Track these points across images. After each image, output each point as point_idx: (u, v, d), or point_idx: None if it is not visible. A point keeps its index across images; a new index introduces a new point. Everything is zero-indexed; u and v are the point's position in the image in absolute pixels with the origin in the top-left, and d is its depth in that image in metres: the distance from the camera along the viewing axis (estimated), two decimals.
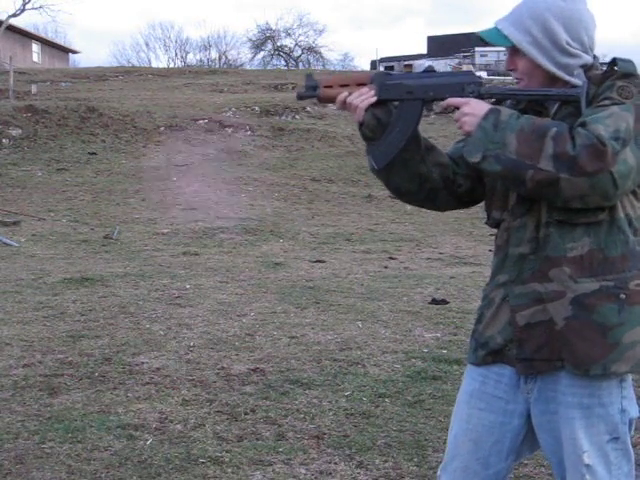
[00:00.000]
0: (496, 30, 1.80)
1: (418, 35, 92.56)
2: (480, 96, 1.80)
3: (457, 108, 1.79)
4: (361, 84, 1.87)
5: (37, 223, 11.38)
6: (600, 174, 1.61)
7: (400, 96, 1.85)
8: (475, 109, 1.75)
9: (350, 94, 1.85)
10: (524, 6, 1.80)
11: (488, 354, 1.86)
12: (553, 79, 1.79)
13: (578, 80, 1.76)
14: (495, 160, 1.69)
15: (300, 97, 1.93)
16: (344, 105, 1.87)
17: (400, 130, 1.85)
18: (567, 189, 1.63)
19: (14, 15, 33.90)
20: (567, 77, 1.77)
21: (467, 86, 1.82)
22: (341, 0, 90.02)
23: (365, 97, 1.84)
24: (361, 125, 1.86)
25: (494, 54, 34.36)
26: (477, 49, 36.25)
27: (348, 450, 3.32)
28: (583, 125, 1.64)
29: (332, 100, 1.89)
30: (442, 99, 1.83)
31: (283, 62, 48.90)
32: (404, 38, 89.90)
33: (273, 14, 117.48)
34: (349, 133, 18.55)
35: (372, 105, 1.84)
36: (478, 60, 36.05)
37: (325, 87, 1.89)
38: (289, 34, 49.54)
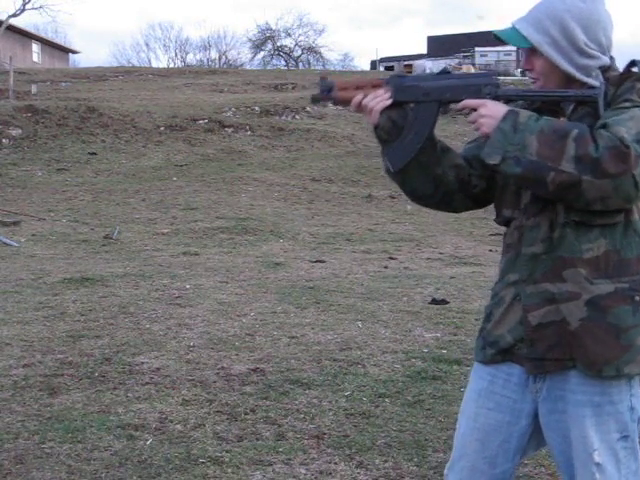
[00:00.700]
0: (514, 30, 1.80)
1: (416, 35, 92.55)
2: (497, 98, 1.79)
3: (473, 110, 1.78)
4: (376, 86, 1.86)
5: (37, 223, 11.38)
6: (623, 176, 1.60)
7: (416, 98, 1.84)
8: (492, 111, 1.74)
9: (365, 96, 1.85)
10: (542, 7, 1.79)
11: (497, 353, 1.85)
12: (570, 79, 1.78)
13: (595, 81, 1.76)
14: (515, 162, 1.67)
15: (315, 100, 1.92)
16: (359, 107, 1.86)
17: (417, 132, 1.84)
18: (589, 191, 1.62)
19: (14, 15, 33.90)
20: (585, 78, 1.76)
21: (484, 87, 1.81)
22: (340, 0, 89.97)
23: (381, 99, 1.83)
24: (376, 127, 1.86)
25: (494, 54, 34.37)
26: (477, 49, 36.24)
27: (348, 450, 3.32)
28: (605, 127, 1.64)
29: (347, 102, 1.88)
30: (459, 101, 1.82)
31: (283, 62, 48.90)
32: (402, 38, 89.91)
33: (273, 14, 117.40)
34: (349, 133, 18.57)
35: (387, 107, 1.83)
36: (478, 60, 36.03)
37: (341, 89, 1.88)
38: (289, 34, 49.56)
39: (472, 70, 28.07)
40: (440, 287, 7.15)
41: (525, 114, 1.71)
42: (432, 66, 34.75)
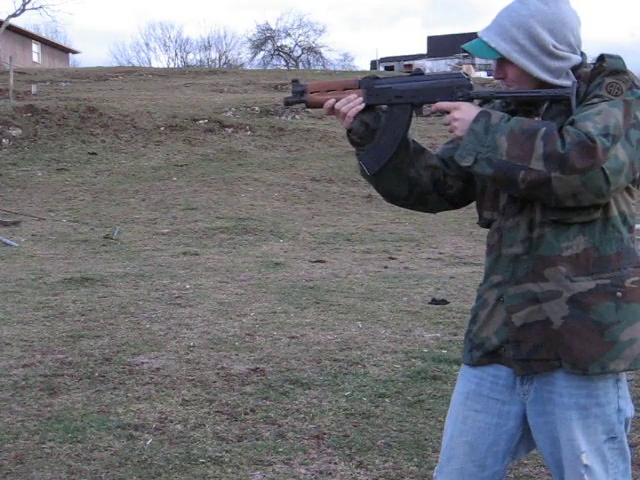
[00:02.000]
0: (482, 42, 1.79)
1: (414, 35, 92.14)
2: (470, 99, 1.80)
3: (447, 112, 1.78)
4: (348, 89, 1.86)
5: (37, 223, 11.38)
6: (591, 171, 1.60)
7: (389, 100, 1.85)
8: (465, 113, 1.75)
9: (338, 100, 1.85)
10: (506, 15, 1.78)
11: (484, 355, 1.85)
12: (543, 83, 1.78)
13: (566, 80, 1.76)
14: (487, 163, 1.68)
15: (287, 103, 1.92)
16: (332, 111, 1.87)
17: (391, 135, 1.85)
18: (559, 188, 1.63)
19: (14, 15, 33.91)
20: (557, 81, 1.76)
21: (457, 89, 1.81)
22: (337, 0, 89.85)
23: (353, 104, 1.84)
24: (349, 132, 1.87)
25: None
26: None
27: (348, 450, 3.32)
28: (572, 123, 1.65)
29: (320, 105, 1.89)
30: (432, 103, 1.82)
31: (283, 62, 48.86)
32: (400, 38, 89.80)
33: (273, 14, 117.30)
34: None
35: (360, 111, 1.84)
36: (478, 60, 36.02)
37: (312, 92, 1.89)
38: (289, 34, 49.51)
39: (472, 70, 28.10)
40: (440, 287, 7.15)
41: (497, 115, 1.72)
42: (432, 66, 34.77)
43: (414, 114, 1.86)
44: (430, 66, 34.91)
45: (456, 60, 37.62)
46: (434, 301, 6.38)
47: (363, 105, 1.84)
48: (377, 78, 1.87)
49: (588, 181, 1.61)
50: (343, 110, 1.84)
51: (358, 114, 1.84)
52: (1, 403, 3.84)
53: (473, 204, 2.09)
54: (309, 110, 20.10)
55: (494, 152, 1.67)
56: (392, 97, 1.85)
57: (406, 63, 39.36)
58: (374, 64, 43.07)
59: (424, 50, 46.51)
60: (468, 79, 1.83)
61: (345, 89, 1.86)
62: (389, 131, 1.85)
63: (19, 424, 3.56)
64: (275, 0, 74.62)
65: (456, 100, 1.79)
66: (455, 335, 5.28)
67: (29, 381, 4.17)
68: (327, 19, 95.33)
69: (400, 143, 1.85)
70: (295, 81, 1.91)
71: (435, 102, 1.81)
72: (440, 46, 42.82)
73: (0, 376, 4.25)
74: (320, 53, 48.90)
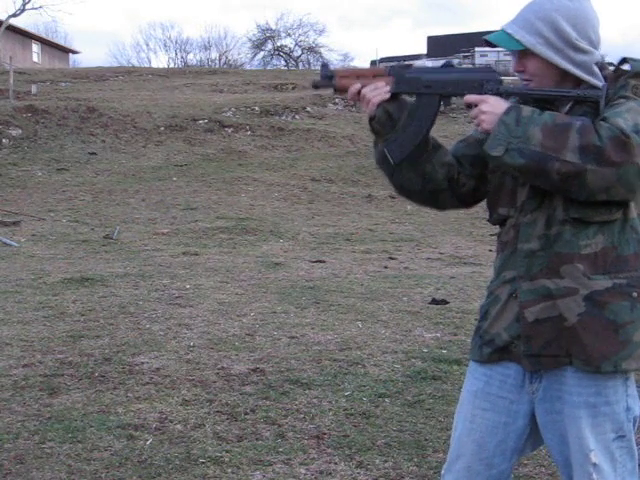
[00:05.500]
0: (506, 34, 1.80)
1: (406, 36, 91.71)
2: (499, 94, 1.80)
3: (475, 105, 1.78)
4: (377, 76, 1.85)
5: (37, 223, 11.38)
6: (626, 165, 1.62)
7: (417, 90, 1.85)
8: (494, 107, 1.75)
9: (364, 86, 1.85)
10: (531, 9, 1.80)
11: (494, 351, 1.85)
12: (565, 78, 1.79)
13: (596, 80, 1.77)
14: (518, 153, 1.68)
15: (315, 86, 1.91)
16: (357, 97, 1.86)
17: (417, 125, 1.84)
18: (594, 180, 1.63)
19: (14, 15, 33.91)
20: (586, 76, 1.78)
21: (486, 83, 1.81)
22: (329, 0, 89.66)
23: (379, 91, 1.83)
24: (372, 119, 1.86)
25: (494, 54, 34.33)
26: (477, 49, 36.21)
27: (348, 450, 3.32)
28: (603, 120, 1.66)
29: (347, 90, 1.88)
30: (460, 95, 1.82)
31: (283, 62, 48.86)
32: (393, 39, 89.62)
33: (273, 14, 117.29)
34: (349, 133, 18.56)
35: (385, 100, 1.83)
36: (478, 60, 35.99)
37: (341, 77, 1.87)
38: (289, 34, 49.51)
39: None
40: (440, 287, 7.15)
41: (528, 109, 1.72)
42: (432, 66, 34.61)
43: (441, 106, 1.86)
44: (430, 66, 34.78)
45: (456, 60, 37.58)
46: (434, 301, 6.37)
47: (389, 94, 1.83)
48: (408, 67, 1.87)
49: (623, 175, 1.62)
50: (368, 96, 1.83)
51: (382, 102, 1.83)
52: (1, 403, 3.84)
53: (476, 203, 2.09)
54: (309, 110, 20.15)
55: (526, 143, 1.67)
56: (421, 87, 1.84)
57: (406, 63, 39.24)
58: (374, 64, 43.07)
59: (418, 50, 46.55)
60: (498, 74, 1.83)
61: (374, 76, 1.86)
62: (415, 121, 1.84)
63: (19, 424, 3.56)
64: (270, 0, 74.58)
65: (485, 94, 1.79)
66: (455, 335, 5.28)
67: (29, 381, 4.17)
68: (320, 19, 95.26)
69: (425, 134, 1.85)
70: (324, 65, 1.90)
71: (463, 95, 1.81)
72: (440, 46, 42.80)
73: (0, 376, 4.25)
74: (320, 53, 48.92)
